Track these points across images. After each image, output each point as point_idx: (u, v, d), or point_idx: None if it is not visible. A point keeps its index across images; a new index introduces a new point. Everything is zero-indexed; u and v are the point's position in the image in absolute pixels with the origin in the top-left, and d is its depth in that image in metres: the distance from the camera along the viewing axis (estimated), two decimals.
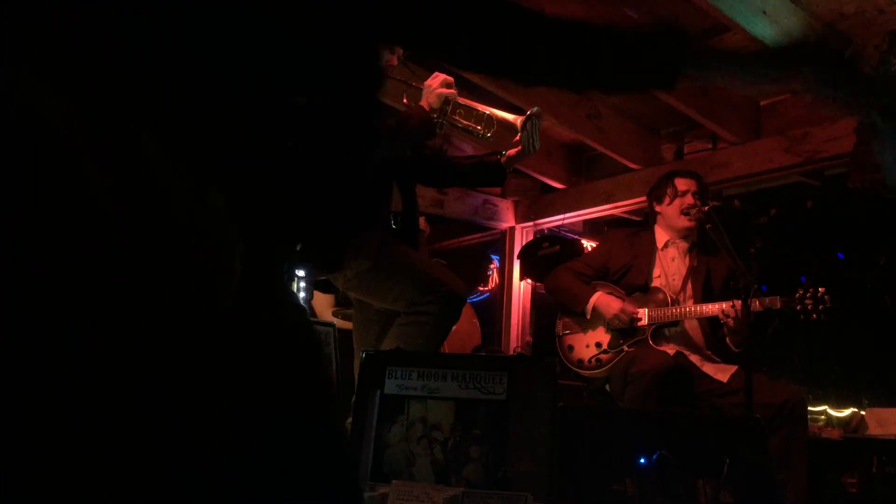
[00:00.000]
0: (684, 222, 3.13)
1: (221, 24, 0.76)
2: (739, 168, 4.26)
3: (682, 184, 3.17)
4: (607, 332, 3.13)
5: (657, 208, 3.24)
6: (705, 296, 3.08)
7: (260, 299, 0.77)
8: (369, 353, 2.08)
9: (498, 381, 1.91)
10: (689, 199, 3.13)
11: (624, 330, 3.09)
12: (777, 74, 1.00)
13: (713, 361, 3.02)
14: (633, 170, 4.77)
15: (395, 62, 2.67)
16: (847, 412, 4.32)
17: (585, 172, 5.18)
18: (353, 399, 2.02)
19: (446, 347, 3.16)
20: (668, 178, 3.23)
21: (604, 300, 3.10)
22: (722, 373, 2.93)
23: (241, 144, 0.79)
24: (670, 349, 3.00)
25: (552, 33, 0.96)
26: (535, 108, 2.58)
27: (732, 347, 2.98)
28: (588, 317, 3.14)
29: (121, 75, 0.69)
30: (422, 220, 3.48)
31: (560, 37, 0.96)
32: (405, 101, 2.73)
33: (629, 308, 3.06)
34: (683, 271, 3.16)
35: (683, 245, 3.20)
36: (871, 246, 5.07)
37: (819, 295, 2.82)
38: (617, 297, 3.13)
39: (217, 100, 0.77)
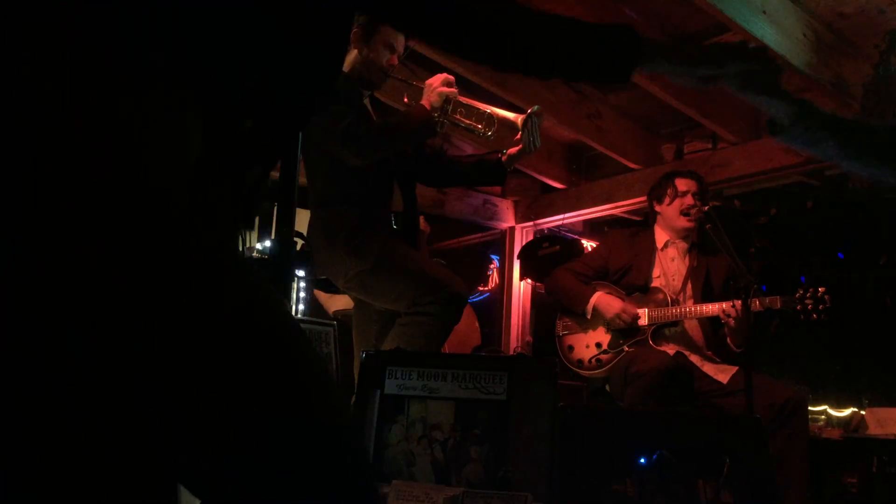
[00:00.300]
0: (684, 223, 3.13)
1: (219, 21, 0.76)
2: (739, 168, 4.26)
3: (682, 184, 3.17)
4: (607, 332, 3.13)
5: (657, 208, 3.24)
6: (705, 296, 3.08)
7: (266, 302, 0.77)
8: (369, 353, 2.08)
9: (498, 381, 1.90)
10: (688, 200, 3.13)
11: (624, 330, 3.08)
12: (706, 71, 1.08)
13: (713, 362, 3.02)
14: (633, 170, 4.77)
15: (396, 62, 2.67)
16: (847, 412, 4.32)
17: (585, 172, 5.18)
18: (353, 399, 2.02)
19: (446, 347, 3.16)
20: (669, 179, 3.23)
21: (604, 300, 3.10)
22: (722, 373, 2.93)
23: (241, 138, 0.80)
24: (670, 349, 3.00)
25: (524, 20, 1.02)
26: (536, 107, 2.58)
27: (733, 347, 2.98)
28: (588, 317, 3.14)
29: (121, 74, 0.69)
30: (421, 220, 3.48)
31: (532, 24, 1.02)
32: (406, 100, 2.73)
33: (630, 308, 3.06)
34: (683, 271, 3.16)
35: (683, 245, 3.20)
36: (871, 246, 5.07)
37: (819, 295, 2.82)
38: (617, 297, 3.13)
39: (218, 95, 0.77)
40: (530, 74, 1.11)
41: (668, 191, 3.18)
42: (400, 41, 2.69)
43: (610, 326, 3.11)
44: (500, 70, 1.07)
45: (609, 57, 1.04)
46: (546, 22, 1.02)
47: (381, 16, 1.46)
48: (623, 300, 3.10)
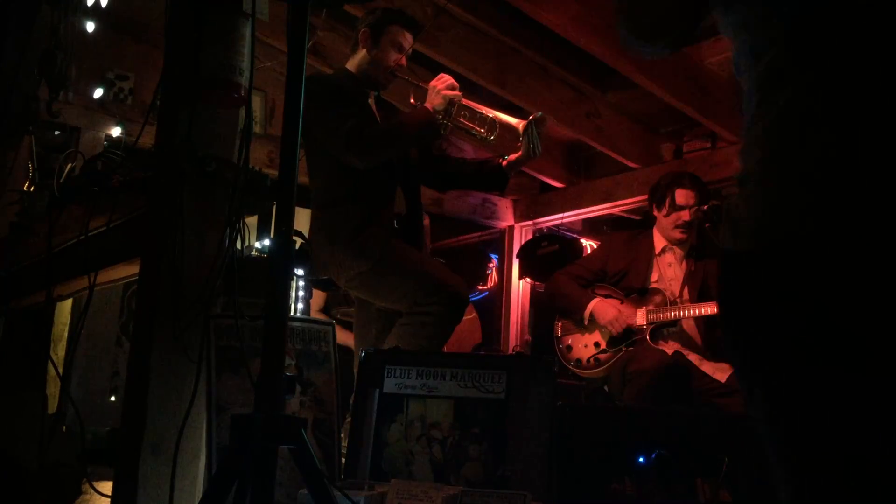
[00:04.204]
0: (677, 235, 3.13)
1: None
2: (739, 167, 4.26)
3: (681, 196, 3.13)
4: (606, 332, 3.14)
5: (655, 213, 3.23)
6: (703, 300, 3.07)
7: None
8: (368, 352, 2.08)
9: (497, 379, 1.90)
10: (685, 216, 3.10)
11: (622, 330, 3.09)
12: None
13: (712, 361, 3.02)
14: (632, 169, 4.77)
15: (404, 61, 2.67)
16: None
17: (584, 171, 5.18)
18: (352, 398, 2.02)
19: (445, 346, 3.17)
20: (670, 188, 3.17)
21: (600, 307, 3.10)
22: (721, 372, 2.93)
23: None
24: (669, 348, 3.00)
25: None
26: (539, 114, 2.55)
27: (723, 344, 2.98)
28: (585, 322, 3.15)
29: None
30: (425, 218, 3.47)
31: None
32: (412, 101, 2.72)
33: (623, 317, 3.05)
34: (681, 276, 3.16)
35: (680, 251, 3.20)
36: None
37: None
38: (615, 299, 3.13)
39: None
40: None
41: (667, 201, 3.15)
42: (408, 40, 2.68)
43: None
44: None
45: None
46: None
47: None
48: (621, 303, 3.10)
